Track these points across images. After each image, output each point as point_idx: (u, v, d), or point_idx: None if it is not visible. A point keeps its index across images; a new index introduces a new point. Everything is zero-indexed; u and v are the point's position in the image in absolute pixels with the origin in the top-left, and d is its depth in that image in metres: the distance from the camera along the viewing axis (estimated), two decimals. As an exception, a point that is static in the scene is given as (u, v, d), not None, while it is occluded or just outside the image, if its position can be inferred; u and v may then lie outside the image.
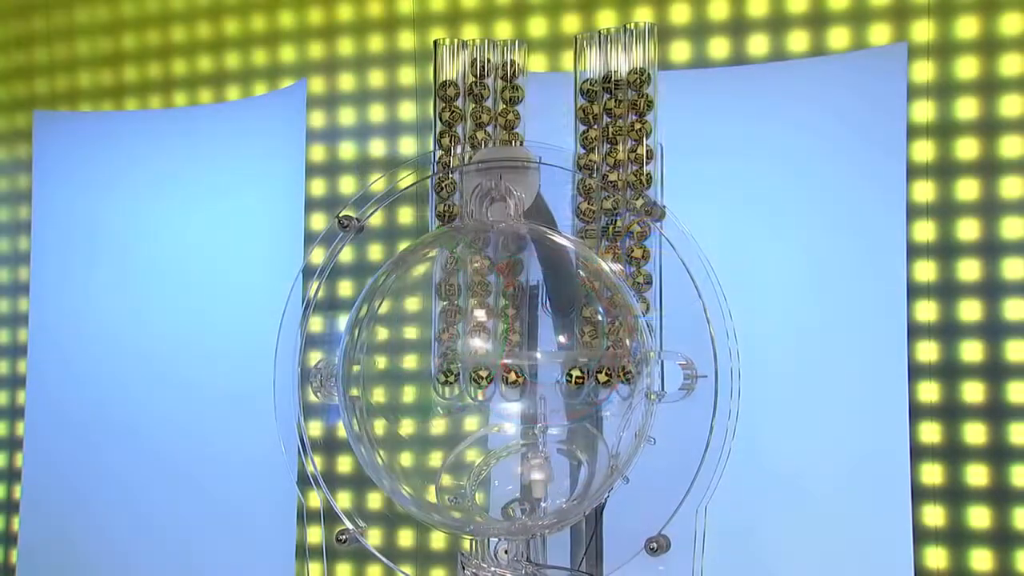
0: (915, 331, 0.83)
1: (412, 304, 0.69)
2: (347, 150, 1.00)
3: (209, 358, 1.01)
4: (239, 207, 1.02)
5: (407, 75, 0.99)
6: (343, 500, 0.92)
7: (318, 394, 0.69)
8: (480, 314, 0.66)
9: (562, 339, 0.68)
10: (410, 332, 0.68)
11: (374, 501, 0.93)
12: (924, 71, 0.85)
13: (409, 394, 0.67)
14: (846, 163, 0.83)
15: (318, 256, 0.73)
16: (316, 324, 0.72)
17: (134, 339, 1.04)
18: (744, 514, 0.80)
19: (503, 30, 0.95)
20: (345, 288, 0.95)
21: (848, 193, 0.83)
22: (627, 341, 0.66)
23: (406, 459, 0.66)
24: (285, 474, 0.78)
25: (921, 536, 0.84)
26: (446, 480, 0.63)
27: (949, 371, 0.84)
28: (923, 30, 0.84)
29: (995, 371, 0.83)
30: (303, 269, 0.76)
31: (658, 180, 0.68)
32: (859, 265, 0.83)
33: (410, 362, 0.66)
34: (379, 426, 0.66)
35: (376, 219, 0.78)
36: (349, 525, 0.70)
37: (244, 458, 0.99)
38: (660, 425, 0.66)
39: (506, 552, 0.65)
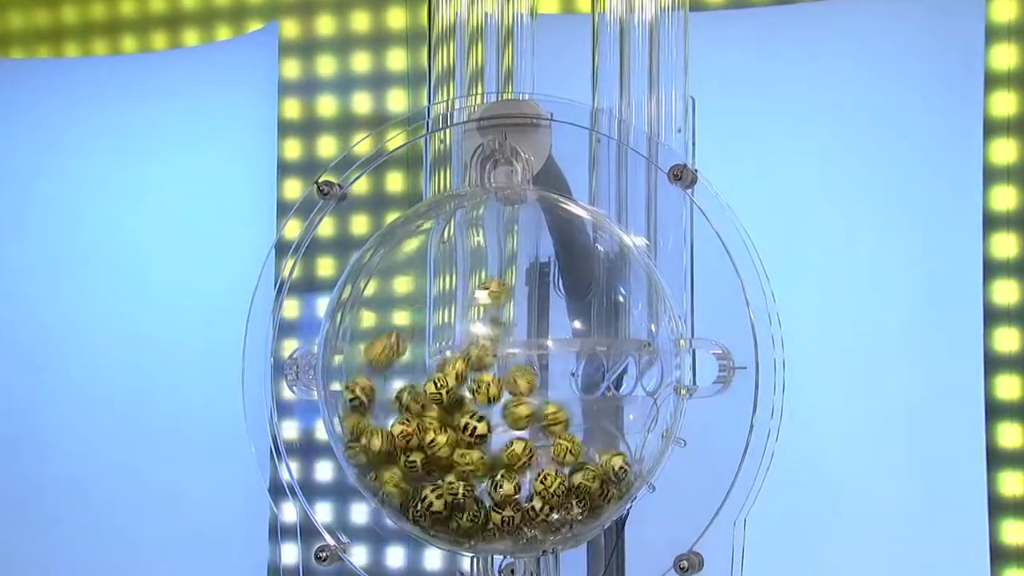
0: (993, 316, 0.84)
1: (403, 285, 0.70)
2: (326, 105, 1.01)
3: (165, 348, 1.03)
4: (199, 172, 1.03)
5: (396, 17, 1.00)
6: (323, 512, 0.93)
7: (294, 389, 0.70)
8: (482, 295, 0.67)
9: (577, 324, 0.69)
10: (401, 317, 0.69)
11: (359, 513, 0.94)
12: (1005, 10, 0.85)
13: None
14: (910, 119, 0.84)
15: (293, 229, 0.74)
16: (291, 308, 0.73)
17: (74, 325, 1.04)
18: (789, 528, 0.82)
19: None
20: (325, 266, 0.96)
21: (913, 153, 0.84)
22: (652, 327, 0.68)
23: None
24: (256, 482, 0.79)
25: (1000, 556, 0.85)
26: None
27: (1033, 363, 0.85)
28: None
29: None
30: (275, 244, 0.77)
31: (688, 139, 0.69)
32: (926, 238, 0.84)
33: (401, 351, 0.66)
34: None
35: (361, 186, 0.79)
36: (330, 540, 0.71)
37: (207, 464, 1.01)
38: (691, 424, 0.66)
39: (512, 572, 0.66)
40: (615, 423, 0.67)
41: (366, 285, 0.69)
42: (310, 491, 0.90)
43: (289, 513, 0.73)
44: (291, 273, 0.72)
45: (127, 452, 1.04)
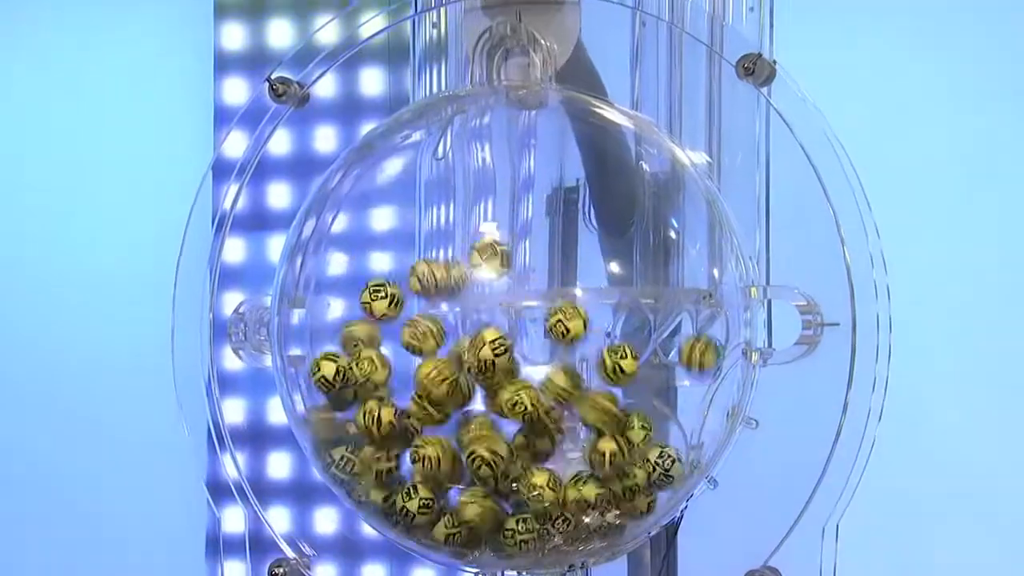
0: None
1: (384, 218, 0.70)
2: (278, -22, 1.01)
3: (73, 303, 1.06)
4: (116, 69, 1.05)
5: None
6: (279, 518, 0.93)
7: (240, 354, 0.71)
8: (488, 228, 0.68)
9: (614, 269, 0.69)
10: (380, 260, 0.70)
11: (324, 521, 0.94)
12: None
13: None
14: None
15: (237, 144, 0.74)
16: (235, 249, 0.74)
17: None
18: (895, 535, 0.83)
19: None
20: (279, 194, 0.98)
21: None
22: (715, 272, 0.68)
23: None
24: (190, 481, 0.81)
25: None
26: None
27: None
28: None
29: None
30: (213, 165, 0.77)
31: (764, 21, 0.70)
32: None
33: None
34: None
35: (326, 86, 0.80)
36: (289, 553, 0.71)
37: (126, 456, 1.04)
38: (765, 400, 0.67)
39: (529, 595, 0.67)
40: (665, 399, 0.68)
41: (335, 219, 0.69)
42: (262, 491, 0.88)
43: (234, 520, 0.73)
44: (235, 203, 0.72)
45: (29, 453, 1.09)
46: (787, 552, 0.66)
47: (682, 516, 0.69)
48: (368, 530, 0.69)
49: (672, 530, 0.70)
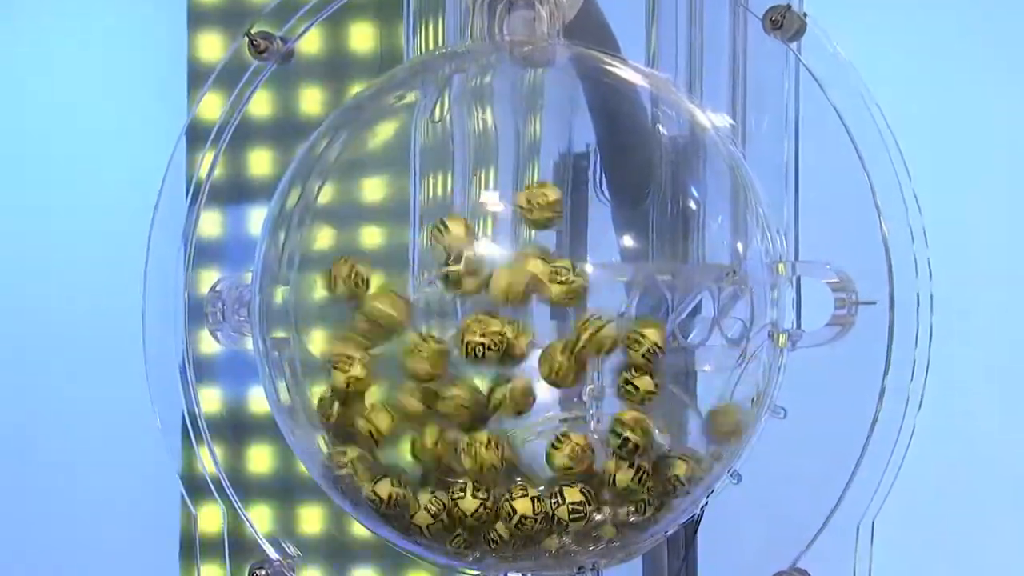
0: None
1: (375, 188, 0.70)
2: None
3: (32, 281, 1.06)
4: (78, 22, 1.05)
5: None
6: (261, 516, 0.93)
7: (218, 336, 0.70)
8: (491, 197, 0.68)
9: (628, 243, 0.68)
10: (371, 234, 0.70)
11: (311, 519, 0.96)
12: None
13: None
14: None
15: (212, 107, 0.74)
16: (212, 222, 0.74)
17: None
18: (936, 534, 0.83)
19: None
20: (260, 161, 0.97)
21: None
22: (739, 246, 0.68)
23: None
24: (163, 476, 0.80)
25: None
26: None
27: None
28: None
29: None
30: (187, 129, 0.77)
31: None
32: None
33: (374, 283, 0.65)
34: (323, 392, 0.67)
35: (312, 41, 0.82)
36: (273, 555, 0.71)
37: (91, 449, 1.04)
38: (793, 387, 0.67)
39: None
40: (683, 385, 0.67)
41: (321, 188, 0.68)
42: (242, 488, 0.87)
43: (211, 518, 0.73)
44: (211, 171, 0.72)
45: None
46: (817, 552, 0.66)
47: (703, 513, 0.68)
48: (358, 530, 0.71)
49: (692, 528, 0.70)
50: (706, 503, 0.67)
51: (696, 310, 0.67)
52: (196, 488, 0.74)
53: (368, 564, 1.00)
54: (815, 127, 0.69)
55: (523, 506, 0.61)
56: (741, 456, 0.67)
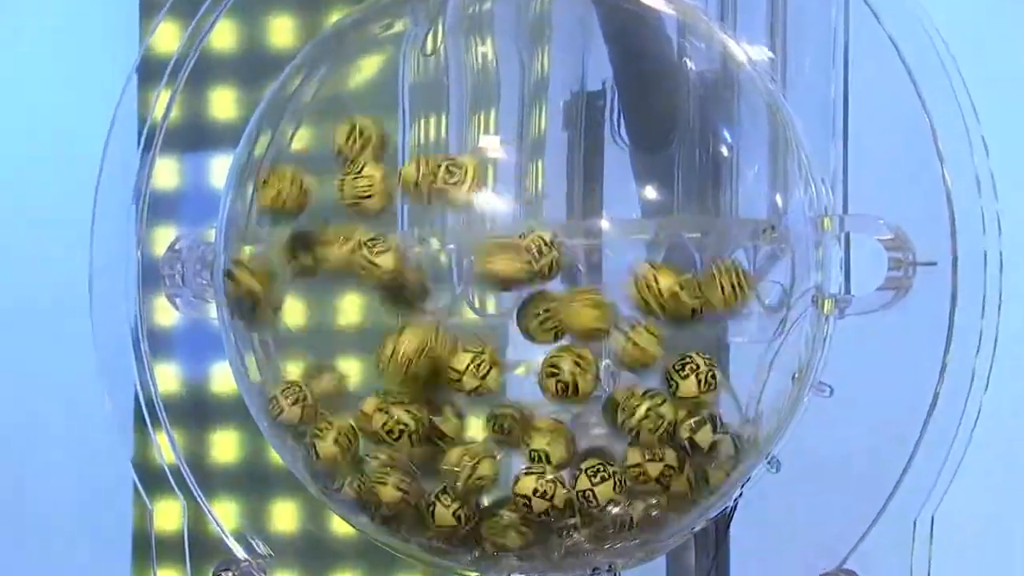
0: None
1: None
2: None
3: None
4: None
5: None
6: (227, 511, 0.90)
7: (177, 302, 0.70)
8: (490, 142, 0.67)
9: (650, 194, 0.67)
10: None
11: (284, 514, 0.95)
12: None
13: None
14: None
15: (168, 38, 0.75)
16: (168, 172, 0.75)
17: None
18: (1003, 528, 0.83)
19: None
20: (223, 101, 0.96)
21: None
22: (778, 198, 0.67)
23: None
24: (114, 465, 0.79)
25: None
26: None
27: None
28: None
29: None
30: (139, 65, 0.77)
31: None
32: None
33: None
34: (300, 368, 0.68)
35: None
36: (240, 555, 0.72)
37: (32, 433, 1.04)
38: (841, 361, 0.66)
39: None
40: (715, 358, 0.65)
41: (295, 133, 0.68)
42: (205, 480, 0.88)
43: (169, 514, 0.73)
44: (166, 113, 0.72)
45: None
46: (869, 550, 0.66)
47: (736, 506, 0.68)
48: (338, 526, 0.72)
49: (724, 524, 0.70)
50: (740, 494, 0.67)
51: (730, 272, 0.68)
52: (152, 479, 0.73)
53: (349, 564, 1.00)
54: (866, 61, 0.69)
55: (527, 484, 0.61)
56: (780, 441, 0.66)
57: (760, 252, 0.66)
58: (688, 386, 0.60)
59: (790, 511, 0.70)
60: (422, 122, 0.69)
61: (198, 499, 0.72)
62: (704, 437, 0.61)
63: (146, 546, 0.88)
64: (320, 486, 0.67)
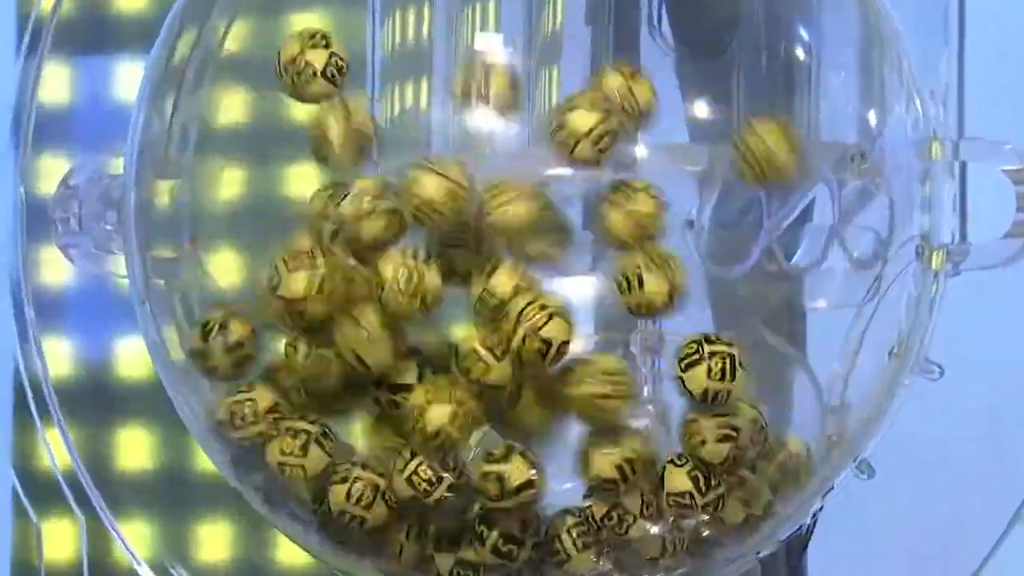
0: None
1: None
2: None
3: None
4: None
5: None
6: (139, 533, 0.87)
7: (71, 254, 0.67)
8: (488, 44, 0.64)
9: (701, 112, 0.65)
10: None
11: (213, 537, 0.95)
12: None
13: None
14: None
15: None
16: (59, 82, 0.73)
17: None
18: None
19: None
20: None
21: None
22: (871, 117, 0.63)
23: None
24: None
25: None
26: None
27: None
28: None
29: None
30: None
31: None
32: None
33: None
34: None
35: None
36: None
37: None
38: (953, 332, 0.64)
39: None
40: (787, 331, 0.65)
41: (228, 30, 0.66)
42: (109, 488, 0.86)
43: (60, 535, 0.73)
44: (57, 6, 0.70)
45: None
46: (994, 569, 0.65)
47: (815, 523, 0.66)
48: (284, 550, 0.71)
49: (799, 546, 0.68)
50: (820, 508, 0.65)
51: (805, 215, 0.63)
52: (39, 490, 0.73)
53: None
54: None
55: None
56: (873, 439, 0.64)
57: (847, 187, 0.63)
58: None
59: (886, 528, 0.69)
60: (396, 15, 0.66)
61: (101, 515, 0.70)
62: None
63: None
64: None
